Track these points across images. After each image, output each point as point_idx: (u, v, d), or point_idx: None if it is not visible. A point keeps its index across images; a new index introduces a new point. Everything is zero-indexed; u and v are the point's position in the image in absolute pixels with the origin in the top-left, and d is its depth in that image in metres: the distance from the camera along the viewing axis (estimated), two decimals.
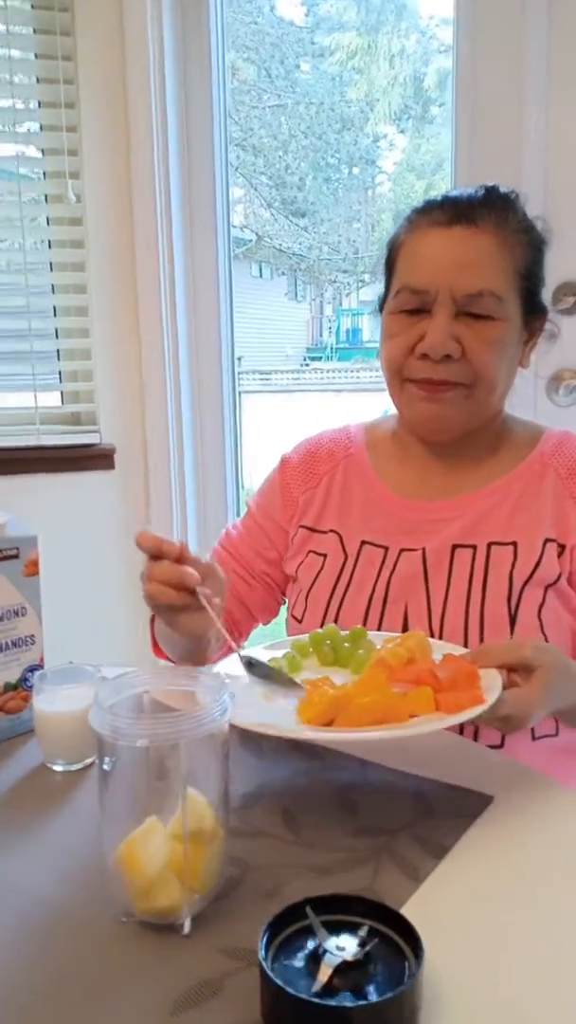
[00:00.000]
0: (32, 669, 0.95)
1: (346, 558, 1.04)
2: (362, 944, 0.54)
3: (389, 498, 1.06)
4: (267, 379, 11.96)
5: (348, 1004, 0.50)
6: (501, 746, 0.95)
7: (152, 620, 1.08)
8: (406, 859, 0.70)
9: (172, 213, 2.02)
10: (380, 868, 0.69)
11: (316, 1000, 0.49)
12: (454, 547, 1.00)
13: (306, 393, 10.99)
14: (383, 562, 1.02)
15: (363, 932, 0.55)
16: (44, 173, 2.03)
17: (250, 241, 11.93)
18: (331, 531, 1.07)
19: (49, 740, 0.87)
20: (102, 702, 0.61)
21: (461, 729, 0.94)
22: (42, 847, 0.73)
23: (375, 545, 1.04)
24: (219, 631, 0.85)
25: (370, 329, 13.18)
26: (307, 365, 13.54)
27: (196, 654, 0.99)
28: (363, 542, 1.04)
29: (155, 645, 1.11)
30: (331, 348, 13.86)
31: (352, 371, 12.17)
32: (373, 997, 0.51)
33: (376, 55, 10.64)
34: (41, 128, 1.99)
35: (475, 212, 0.96)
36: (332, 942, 0.54)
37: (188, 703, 0.65)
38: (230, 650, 1.16)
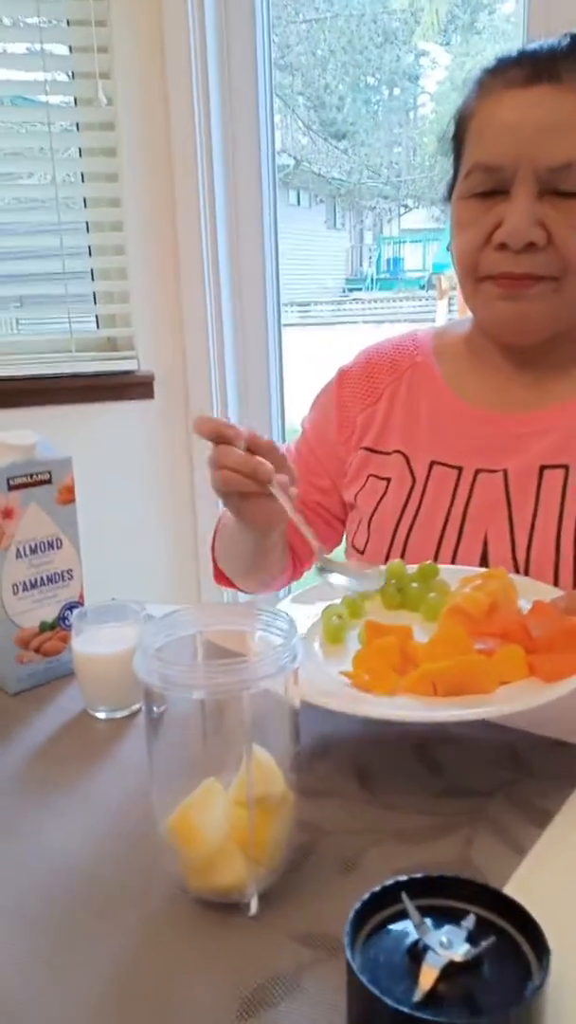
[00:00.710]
0: (71, 607, 0.86)
1: (414, 482, 0.92)
2: (471, 940, 0.44)
3: (462, 410, 0.93)
4: (306, 311, 11.68)
5: (461, 1021, 0.40)
6: None
7: (213, 541, 1.02)
8: (504, 826, 0.60)
9: (211, 125, 1.85)
10: (475, 837, 0.59)
11: (422, 1015, 0.40)
12: (542, 468, 0.87)
13: (346, 325, 10.71)
14: (457, 486, 0.90)
15: (469, 923, 0.45)
16: (73, 73, 1.87)
17: (287, 166, 11.50)
18: (396, 452, 0.95)
19: (90, 685, 0.78)
20: (148, 646, 0.51)
21: None
22: (82, 807, 0.64)
23: (447, 466, 0.91)
24: (294, 521, 0.79)
25: (413, 258, 12.74)
26: (347, 296, 13.18)
27: (260, 557, 0.92)
28: (433, 462, 0.92)
29: (217, 571, 1.03)
30: (372, 278, 13.46)
31: (395, 300, 11.81)
32: (490, 1010, 0.41)
33: None
34: (68, 23, 1.83)
35: (559, 66, 0.79)
36: (435, 937, 0.44)
37: (247, 645, 0.54)
38: (295, 571, 1.08)
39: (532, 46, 0.82)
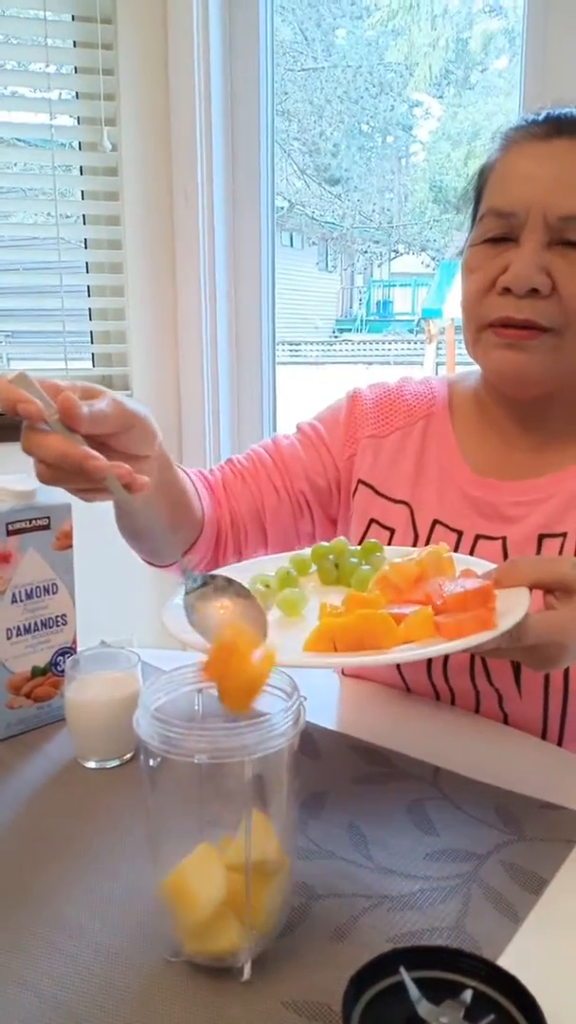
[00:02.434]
0: (63, 652, 0.85)
1: (416, 537, 0.92)
2: (468, 1017, 0.43)
3: (466, 475, 0.92)
4: (296, 350, 11.78)
5: None
6: None
7: None
8: (498, 892, 0.59)
9: (213, 168, 1.89)
10: (469, 903, 0.58)
11: None
12: (541, 536, 0.86)
13: (336, 365, 10.80)
14: (456, 549, 0.89)
15: (467, 998, 0.45)
16: (78, 119, 1.91)
17: (282, 209, 11.69)
18: (402, 502, 0.95)
19: (82, 734, 0.77)
20: (148, 704, 0.51)
21: (544, 734, 0.84)
22: (72, 862, 0.63)
23: (449, 528, 0.91)
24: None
25: (402, 301, 12.92)
26: (337, 337, 13.33)
27: (136, 521, 0.83)
28: (436, 521, 0.92)
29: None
30: (361, 320, 13.62)
31: (384, 343, 11.94)
32: None
33: (417, 15, 10.30)
34: (76, 71, 1.87)
35: None
36: (433, 1012, 0.44)
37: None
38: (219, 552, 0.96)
39: (557, 109, 0.84)
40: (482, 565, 0.73)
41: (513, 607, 0.61)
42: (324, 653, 0.61)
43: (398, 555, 0.76)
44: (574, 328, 0.81)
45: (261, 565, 0.80)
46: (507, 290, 0.81)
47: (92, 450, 0.60)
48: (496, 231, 0.82)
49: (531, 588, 0.65)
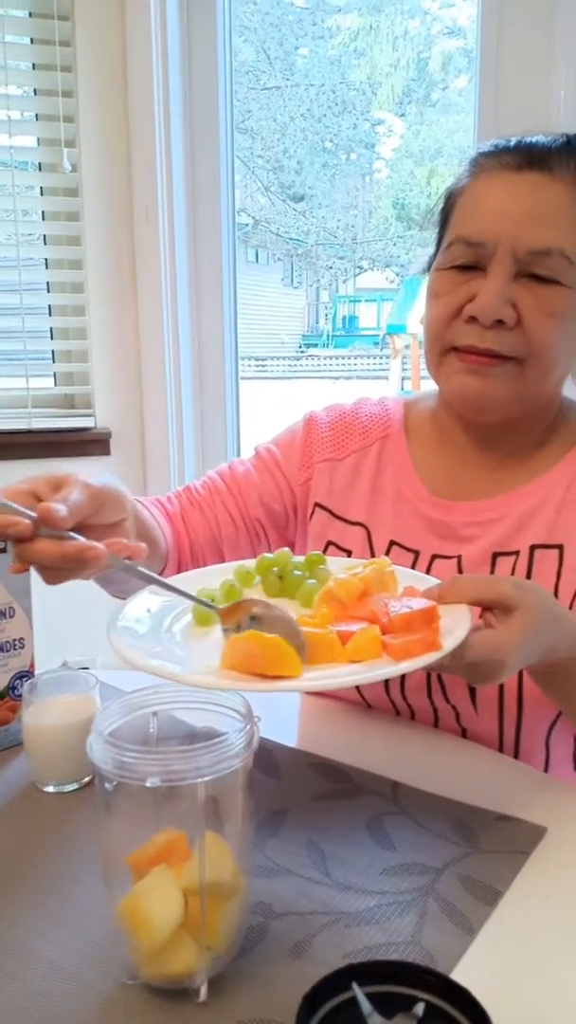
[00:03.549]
0: (21, 676, 0.85)
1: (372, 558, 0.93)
2: None
3: (423, 495, 0.93)
4: (263, 366, 11.83)
5: None
6: (545, 771, 0.86)
7: None
8: (454, 905, 0.60)
9: (174, 187, 1.91)
10: (426, 916, 0.59)
11: None
12: (495, 555, 0.88)
13: (302, 380, 10.86)
14: (413, 568, 0.90)
15: (419, 1011, 0.46)
16: (38, 140, 1.91)
17: (246, 225, 11.78)
18: (358, 524, 0.96)
19: (39, 758, 0.77)
20: (102, 728, 0.51)
21: (501, 747, 0.85)
22: (29, 886, 0.63)
23: (405, 548, 0.92)
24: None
25: (368, 316, 13.05)
26: (303, 352, 13.42)
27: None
28: (392, 542, 0.93)
29: None
30: (327, 335, 13.73)
31: (350, 358, 12.04)
32: None
33: (379, 36, 10.48)
34: (36, 92, 1.88)
35: (552, 158, 0.82)
36: None
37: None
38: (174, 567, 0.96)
39: (529, 137, 0.86)
40: (423, 580, 0.75)
41: (455, 626, 0.63)
42: (273, 680, 0.60)
43: (341, 567, 0.77)
44: (536, 359, 0.83)
45: (206, 577, 0.79)
46: (473, 319, 0.82)
47: (84, 540, 0.61)
48: (464, 260, 0.83)
49: (471, 605, 0.66)
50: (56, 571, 0.62)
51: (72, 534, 0.62)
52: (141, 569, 0.64)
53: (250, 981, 0.53)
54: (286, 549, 0.81)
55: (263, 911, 0.59)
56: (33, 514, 0.61)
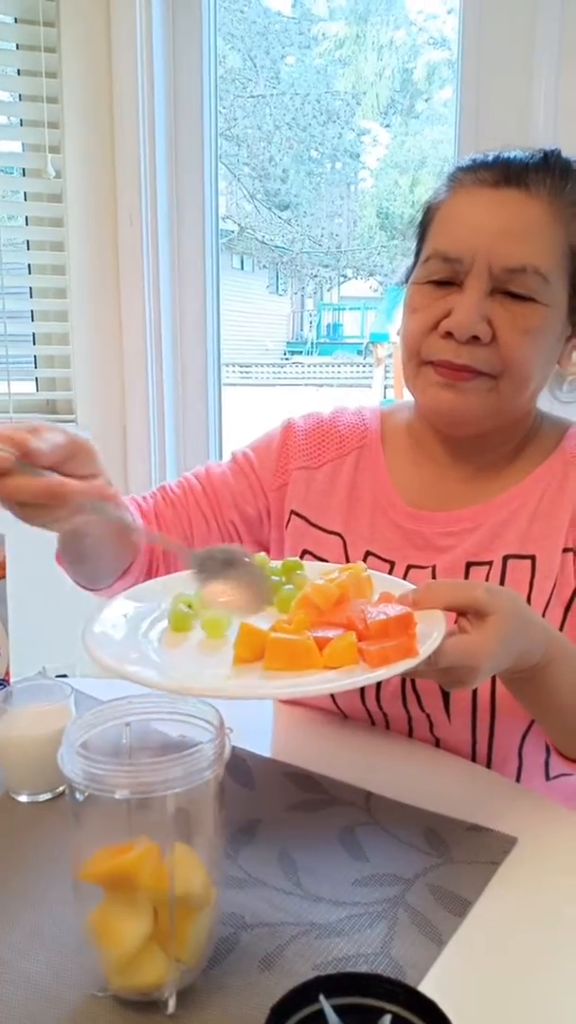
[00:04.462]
0: None
1: None
2: None
3: (398, 506, 0.94)
4: (247, 372, 11.85)
5: None
6: (518, 780, 0.86)
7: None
8: (424, 916, 0.61)
9: (157, 194, 1.91)
10: (396, 927, 0.60)
11: None
12: (468, 565, 0.88)
13: (286, 387, 10.89)
14: None
15: (387, 1022, 0.46)
16: (23, 145, 1.91)
17: (232, 232, 11.80)
18: (335, 533, 0.96)
19: (13, 767, 0.77)
20: (73, 740, 0.51)
21: (473, 756, 0.86)
22: (0, 897, 0.63)
23: (381, 559, 0.93)
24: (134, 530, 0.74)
25: (352, 324, 13.12)
26: (287, 359, 13.45)
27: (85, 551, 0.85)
28: (368, 552, 0.94)
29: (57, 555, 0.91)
30: (312, 343, 13.78)
31: (334, 366, 12.09)
32: None
33: (364, 45, 10.55)
34: (21, 98, 1.88)
35: (529, 175, 0.83)
36: None
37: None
38: (151, 572, 0.98)
39: (507, 153, 0.86)
40: (399, 585, 0.76)
41: (429, 631, 0.63)
42: (252, 684, 0.62)
43: (318, 572, 0.78)
44: (510, 374, 0.84)
45: (183, 582, 0.79)
46: (449, 334, 0.83)
47: (61, 476, 0.65)
48: (440, 275, 0.84)
49: (446, 611, 0.67)
50: (32, 508, 0.65)
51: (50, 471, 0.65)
52: (113, 512, 0.67)
53: (219, 993, 0.53)
54: (263, 555, 0.81)
55: (234, 922, 0.60)
56: (9, 448, 0.63)
